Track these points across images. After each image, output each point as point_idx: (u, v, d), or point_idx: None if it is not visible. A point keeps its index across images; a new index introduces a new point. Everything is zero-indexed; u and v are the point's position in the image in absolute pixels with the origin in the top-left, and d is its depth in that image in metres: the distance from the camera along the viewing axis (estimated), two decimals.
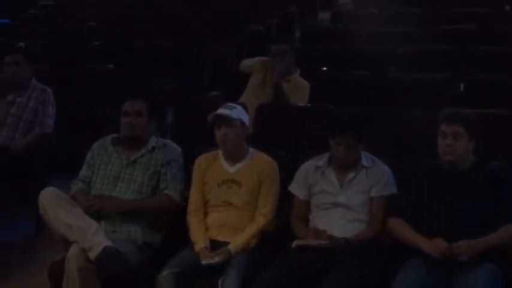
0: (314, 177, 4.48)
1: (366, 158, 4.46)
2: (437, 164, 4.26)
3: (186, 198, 4.63)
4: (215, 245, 4.38)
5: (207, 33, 8.53)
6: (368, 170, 4.42)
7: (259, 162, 4.57)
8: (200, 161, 4.63)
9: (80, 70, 7.48)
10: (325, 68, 7.37)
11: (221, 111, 4.50)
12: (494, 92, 6.19)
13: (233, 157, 4.58)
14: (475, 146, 4.19)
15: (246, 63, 6.53)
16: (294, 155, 4.90)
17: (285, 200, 4.55)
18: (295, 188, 4.53)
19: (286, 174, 4.58)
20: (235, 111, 4.52)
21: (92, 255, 4.10)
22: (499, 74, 6.63)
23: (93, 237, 4.16)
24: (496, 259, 3.96)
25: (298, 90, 6.18)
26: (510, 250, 4.08)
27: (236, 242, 4.35)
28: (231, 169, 4.56)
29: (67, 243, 4.24)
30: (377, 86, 6.58)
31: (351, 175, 4.41)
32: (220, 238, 4.44)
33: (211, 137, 4.54)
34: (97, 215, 4.43)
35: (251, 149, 4.64)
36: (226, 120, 4.45)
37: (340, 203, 4.37)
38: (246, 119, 4.61)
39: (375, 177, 4.40)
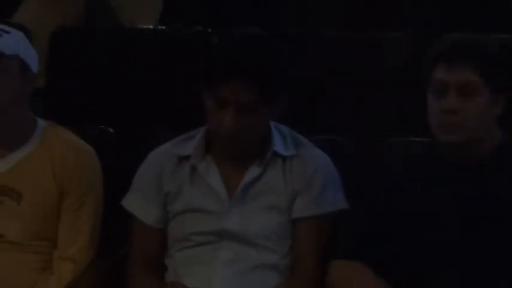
0: (176, 178, 2.60)
1: (281, 138, 2.59)
2: (427, 153, 2.59)
3: None
4: None
5: None
6: (287, 162, 2.57)
7: (58, 149, 2.74)
8: None
9: None
10: None
11: None
12: None
13: (3, 139, 2.77)
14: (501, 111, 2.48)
15: None
16: (131, 131, 3.32)
17: (116, 226, 2.81)
18: (136, 204, 2.63)
19: (121, 171, 2.77)
20: (7, 41, 2.75)
21: None
22: None
23: None
24: None
25: None
26: None
27: None
28: (1, 165, 2.78)
29: None
30: None
31: (251, 173, 2.54)
32: None
33: None
34: None
35: (42, 122, 2.82)
36: None
37: (230, 231, 2.53)
38: (31, 57, 2.80)
39: (301, 177, 2.56)
